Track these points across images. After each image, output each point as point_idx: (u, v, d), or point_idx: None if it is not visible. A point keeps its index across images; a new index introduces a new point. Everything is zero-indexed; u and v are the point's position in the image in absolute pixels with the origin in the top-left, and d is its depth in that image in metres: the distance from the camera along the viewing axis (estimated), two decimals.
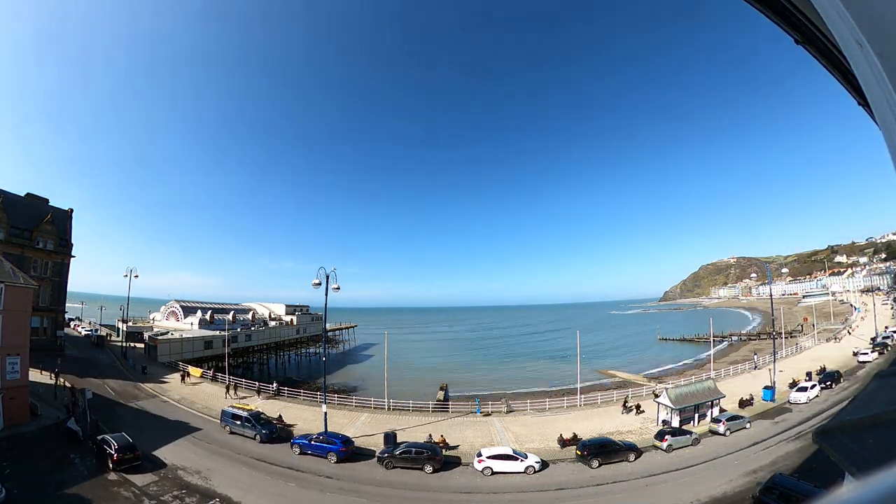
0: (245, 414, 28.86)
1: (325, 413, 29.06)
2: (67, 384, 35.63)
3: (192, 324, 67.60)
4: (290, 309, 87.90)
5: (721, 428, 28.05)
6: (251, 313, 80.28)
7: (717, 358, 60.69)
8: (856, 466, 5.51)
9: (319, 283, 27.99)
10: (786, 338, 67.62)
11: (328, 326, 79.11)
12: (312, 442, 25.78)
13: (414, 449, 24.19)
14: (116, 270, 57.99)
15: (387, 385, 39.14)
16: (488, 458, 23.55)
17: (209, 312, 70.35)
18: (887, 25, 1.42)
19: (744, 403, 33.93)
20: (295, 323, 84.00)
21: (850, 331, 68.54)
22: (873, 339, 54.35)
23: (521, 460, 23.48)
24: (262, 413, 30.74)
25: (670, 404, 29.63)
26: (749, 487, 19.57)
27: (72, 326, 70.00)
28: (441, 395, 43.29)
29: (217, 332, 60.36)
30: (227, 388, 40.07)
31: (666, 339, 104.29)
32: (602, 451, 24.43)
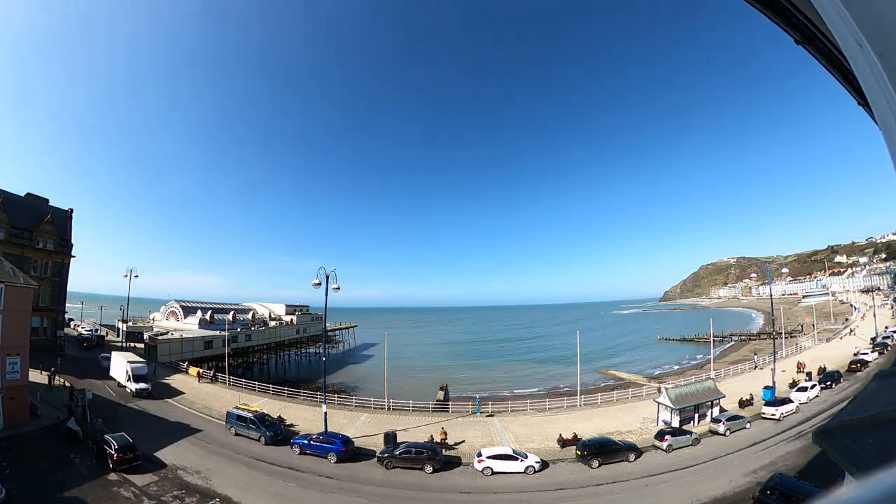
0: (250, 415, 28.72)
1: (325, 413, 29.05)
2: (67, 384, 35.66)
3: (192, 324, 67.65)
4: (290, 309, 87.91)
5: (721, 428, 28.06)
6: (251, 313, 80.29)
7: (718, 358, 60.72)
8: (856, 466, 5.52)
9: (319, 283, 28.00)
10: (786, 338, 67.67)
11: (328, 326, 79.02)
12: (312, 442, 25.77)
13: (414, 449, 24.19)
14: (116, 270, 57.99)
15: (387, 385, 39.12)
16: (488, 458, 23.56)
17: (209, 312, 70.37)
18: (887, 25, 1.42)
19: (744, 403, 33.96)
20: (295, 323, 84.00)
21: (852, 330, 68.54)
22: (873, 339, 54.39)
23: (521, 460, 23.49)
24: (267, 414, 30.58)
25: (670, 404, 29.63)
26: (749, 487, 19.57)
27: (72, 326, 70.07)
28: (441, 395, 43.31)
29: (217, 332, 60.33)
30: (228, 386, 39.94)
31: (666, 339, 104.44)
32: (602, 451, 24.43)
